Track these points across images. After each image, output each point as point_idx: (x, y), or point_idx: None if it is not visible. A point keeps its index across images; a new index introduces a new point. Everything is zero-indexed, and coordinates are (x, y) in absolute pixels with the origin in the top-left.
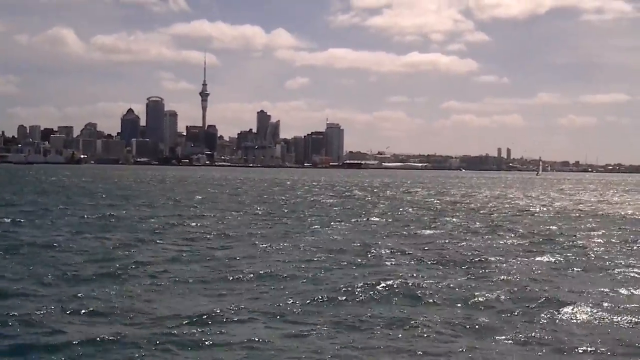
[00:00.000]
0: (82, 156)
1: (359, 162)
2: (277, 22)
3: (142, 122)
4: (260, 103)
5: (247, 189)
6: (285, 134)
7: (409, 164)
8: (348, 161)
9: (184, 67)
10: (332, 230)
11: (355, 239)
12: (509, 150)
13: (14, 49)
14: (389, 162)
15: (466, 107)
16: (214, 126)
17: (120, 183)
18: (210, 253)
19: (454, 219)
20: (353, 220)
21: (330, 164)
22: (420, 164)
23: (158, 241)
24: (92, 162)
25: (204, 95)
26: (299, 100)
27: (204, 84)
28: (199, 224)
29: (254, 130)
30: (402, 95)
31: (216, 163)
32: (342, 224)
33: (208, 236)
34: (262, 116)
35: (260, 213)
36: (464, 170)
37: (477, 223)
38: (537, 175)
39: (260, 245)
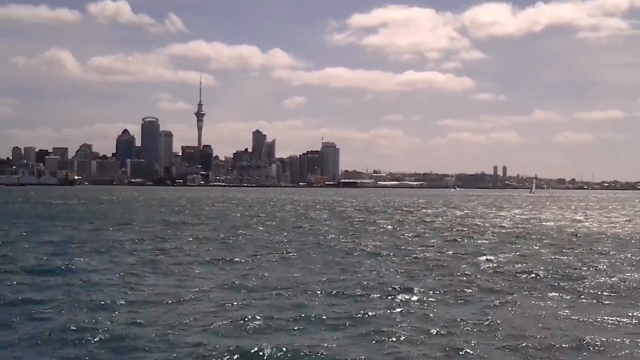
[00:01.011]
0: (76, 177)
1: (354, 181)
2: (274, 42)
3: (138, 143)
4: (257, 122)
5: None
6: (282, 153)
7: (404, 182)
8: (343, 180)
9: (181, 88)
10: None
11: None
12: (504, 168)
13: (10, 71)
14: (384, 181)
15: (462, 125)
16: (210, 146)
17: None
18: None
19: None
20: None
21: (326, 183)
22: (415, 183)
23: None
24: (87, 183)
25: (199, 115)
26: (296, 120)
27: (200, 104)
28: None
29: (250, 150)
30: (398, 114)
31: (211, 183)
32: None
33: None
34: (258, 136)
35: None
36: (456, 189)
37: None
38: (530, 192)
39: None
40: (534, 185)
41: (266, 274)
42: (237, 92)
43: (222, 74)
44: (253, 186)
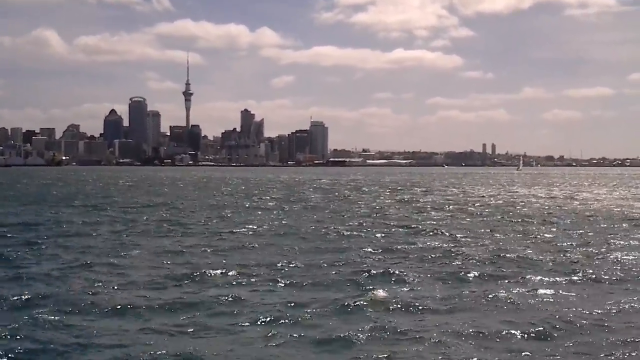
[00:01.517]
0: (63, 158)
1: (343, 160)
2: (262, 21)
3: (126, 123)
4: (246, 102)
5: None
6: (271, 132)
7: (393, 161)
8: (332, 159)
9: (168, 67)
10: None
11: None
12: (493, 146)
13: None
14: (373, 160)
15: (451, 103)
16: (198, 126)
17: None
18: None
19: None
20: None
21: (314, 162)
22: (404, 161)
23: None
24: (74, 163)
25: (187, 95)
26: (285, 99)
27: (187, 84)
28: None
29: (238, 130)
30: (387, 92)
31: (200, 163)
32: None
33: None
34: (246, 115)
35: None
36: (446, 166)
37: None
38: (517, 170)
39: None
40: (521, 162)
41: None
42: (225, 72)
43: (210, 53)
44: (241, 165)
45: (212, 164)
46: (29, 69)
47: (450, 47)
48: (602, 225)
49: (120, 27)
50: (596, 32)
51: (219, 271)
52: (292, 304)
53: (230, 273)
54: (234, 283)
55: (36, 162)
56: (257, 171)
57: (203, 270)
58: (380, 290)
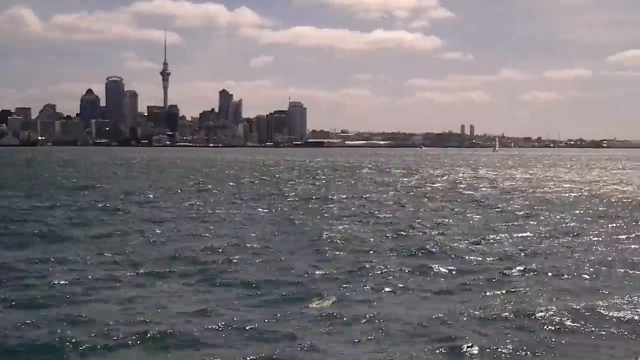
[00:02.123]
0: (39, 138)
1: (322, 140)
2: (241, 0)
3: (103, 103)
4: (225, 82)
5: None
6: (250, 113)
7: (372, 142)
8: (310, 140)
9: (147, 47)
10: None
11: None
12: (472, 127)
13: None
14: (352, 141)
15: (430, 85)
16: (176, 106)
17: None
18: None
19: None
20: None
21: (293, 143)
22: (383, 142)
23: None
24: (50, 144)
25: (165, 74)
26: (264, 79)
27: (165, 64)
28: None
29: (217, 110)
30: (366, 73)
31: (178, 143)
32: None
33: None
34: (225, 95)
35: None
36: (423, 147)
37: None
38: (494, 151)
39: None
40: (497, 144)
41: None
42: (203, 51)
43: (188, 32)
44: (219, 146)
45: (190, 144)
46: (3, 47)
47: (430, 28)
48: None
49: (97, 5)
50: (575, 14)
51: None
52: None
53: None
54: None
55: (11, 143)
56: (230, 152)
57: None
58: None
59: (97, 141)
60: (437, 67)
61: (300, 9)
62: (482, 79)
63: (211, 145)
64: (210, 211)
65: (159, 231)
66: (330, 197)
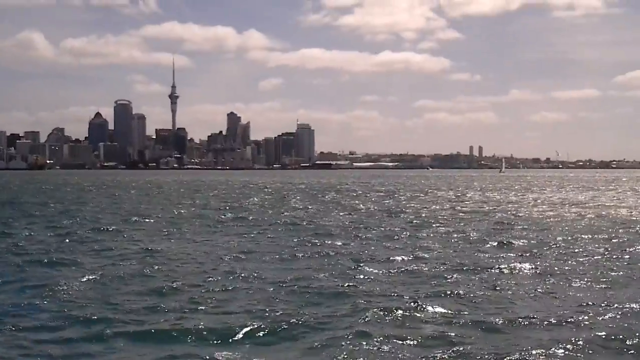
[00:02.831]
0: (48, 161)
1: (329, 162)
2: (249, 23)
3: (111, 126)
4: (234, 104)
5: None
6: (259, 135)
7: (380, 163)
8: (318, 162)
9: (155, 70)
10: None
11: None
12: (480, 148)
13: None
14: (360, 162)
15: (439, 106)
16: (184, 129)
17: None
18: None
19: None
20: None
21: (301, 165)
22: (391, 164)
23: None
24: (58, 167)
25: (173, 97)
26: (273, 101)
27: (173, 87)
28: None
29: (225, 133)
30: (375, 95)
31: (185, 166)
32: None
33: None
34: (233, 118)
35: None
36: (430, 169)
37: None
38: (500, 172)
39: None
40: (503, 164)
41: None
42: (212, 74)
43: (197, 55)
44: (227, 169)
45: (198, 167)
46: (14, 71)
47: (438, 49)
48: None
49: (107, 29)
50: (583, 34)
51: None
52: None
53: None
54: None
55: (18, 166)
56: (236, 174)
57: None
58: None
59: (105, 164)
60: (445, 88)
61: (308, 31)
62: (490, 99)
63: (219, 167)
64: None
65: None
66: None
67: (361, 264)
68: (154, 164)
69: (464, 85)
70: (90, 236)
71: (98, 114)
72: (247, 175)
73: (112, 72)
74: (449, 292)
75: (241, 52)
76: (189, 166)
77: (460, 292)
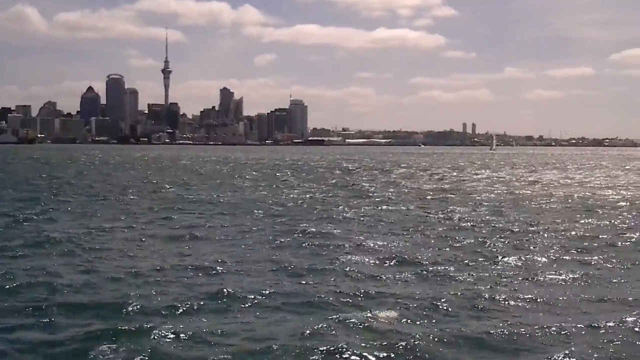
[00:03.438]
0: (39, 135)
1: (321, 139)
2: None
3: (103, 101)
4: (228, 80)
5: None
6: (253, 111)
7: (372, 140)
8: (311, 138)
9: (150, 44)
10: None
11: None
12: (474, 125)
13: None
14: (353, 139)
15: (434, 83)
16: (176, 104)
17: None
18: None
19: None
20: None
21: (293, 141)
22: (384, 141)
23: None
24: (49, 141)
25: (166, 72)
26: (267, 77)
27: (166, 61)
28: None
29: (217, 108)
30: (370, 72)
31: (177, 141)
32: None
33: None
34: (226, 93)
35: None
36: (422, 146)
37: None
38: (491, 150)
39: None
40: (494, 142)
41: None
42: (207, 49)
43: (191, 30)
44: (219, 144)
45: (190, 142)
46: (7, 45)
47: (433, 27)
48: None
49: (101, 3)
50: (579, 13)
51: None
52: None
53: None
54: None
55: (8, 140)
56: (218, 150)
57: None
58: None
59: (96, 139)
60: (440, 66)
61: (303, 7)
62: (485, 77)
63: (211, 143)
64: None
65: None
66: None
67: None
68: (146, 139)
69: (460, 63)
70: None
71: (90, 88)
72: (230, 151)
73: (106, 46)
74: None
75: (236, 28)
76: (180, 141)
77: None
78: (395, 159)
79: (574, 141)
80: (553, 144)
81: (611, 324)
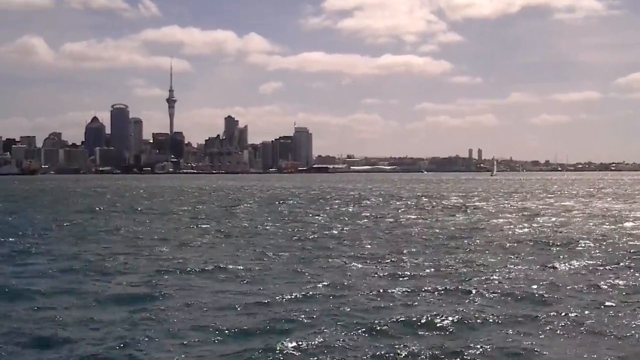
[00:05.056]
0: (42, 166)
1: (326, 166)
2: (250, 27)
3: (108, 131)
4: (234, 108)
5: None
6: (258, 139)
7: (377, 167)
8: (315, 165)
9: (155, 74)
10: None
11: None
12: (480, 151)
13: None
14: (358, 166)
15: (440, 108)
16: (181, 133)
17: None
18: None
19: None
20: None
21: (298, 168)
22: (389, 167)
23: None
24: (52, 172)
25: (171, 101)
26: (273, 105)
27: (171, 90)
28: None
29: (222, 136)
30: (376, 98)
31: (182, 170)
32: None
33: None
34: (230, 122)
35: None
36: (424, 172)
37: None
38: (491, 175)
39: None
40: (494, 168)
41: None
42: (212, 78)
43: (197, 59)
44: (223, 173)
45: (194, 171)
46: (14, 76)
47: (439, 52)
48: None
49: (107, 33)
50: (584, 36)
51: None
52: None
53: None
54: None
55: (10, 171)
56: (209, 178)
57: None
58: None
59: (100, 169)
60: (446, 91)
61: (309, 34)
62: (491, 102)
63: (214, 172)
64: None
65: None
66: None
67: None
68: (149, 169)
69: (465, 88)
70: None
71: (95, 119)
72: (229, 180)
73: (112, 76)
74: None
75: (241, 56)
76: (184, 170)
77: None
78: (370, 187)
79: (580, 166)
80: (559, 169)
81: None
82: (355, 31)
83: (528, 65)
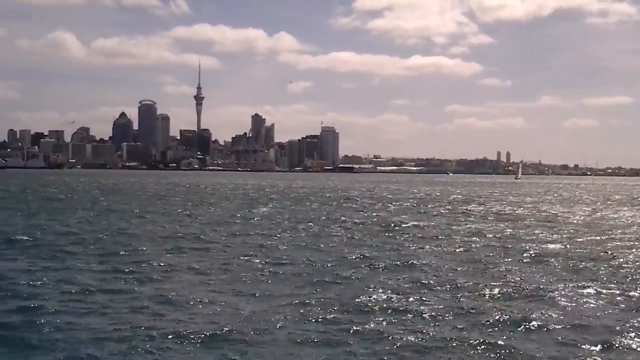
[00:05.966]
0: (69, 160)
1: (352, 166)
2: (280, 26)
3: (136, 127)
4: (263, 107)
5: None
6: (286, 137)
7: (403, 167)
8: (341, 165)
9: (185, 71)
10: None
11: None
12: (508, 154)
13: (15, 54)
14: (384, 166)
15: (469, 111)
16: (208, 130)
17: None
18: None
19: None
20: None
21: (324, 167)
22: (415, 168)
23: None
24: (79, 166)
25: (198, 99)
26: (301, 104)
27: (199, 88)
28: None
29: (249, 134)
30: (405, 99)
31: (208, 167)
32: None
33: None
34: (257, 120)
35: None
36: (449, 174)
37: None
38: (516, 178)
39: None
40: (519, 170)
41: None
42: (242, 76)
43: (227, 57)
44: (249, 171)
45: (220, 168)
46: (46, 72)
47: (469, 54)
48: None
49: (138, 30)
50: (616, 41)
51: None
52: None
53: None
54: None
55: (38, 165)
56: (231, 176)
57: None
58: None
59: (126, 164)
60: (476, 93)
61: (339, 34)
62: (521, 105)
63: (239, 169)
64: None
65: None
66: None
67: None
68: (175, 165)
69: (495, 91)
70: None
71: (123, 114)
72: (250, 178)
73: (142, 72)
74: None
75: (271, 55)
76: (210, 167)
77: None
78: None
79: (609, 171)
80: (589, 173)
81: None
82: (385, 31)
83: (559, 68)
